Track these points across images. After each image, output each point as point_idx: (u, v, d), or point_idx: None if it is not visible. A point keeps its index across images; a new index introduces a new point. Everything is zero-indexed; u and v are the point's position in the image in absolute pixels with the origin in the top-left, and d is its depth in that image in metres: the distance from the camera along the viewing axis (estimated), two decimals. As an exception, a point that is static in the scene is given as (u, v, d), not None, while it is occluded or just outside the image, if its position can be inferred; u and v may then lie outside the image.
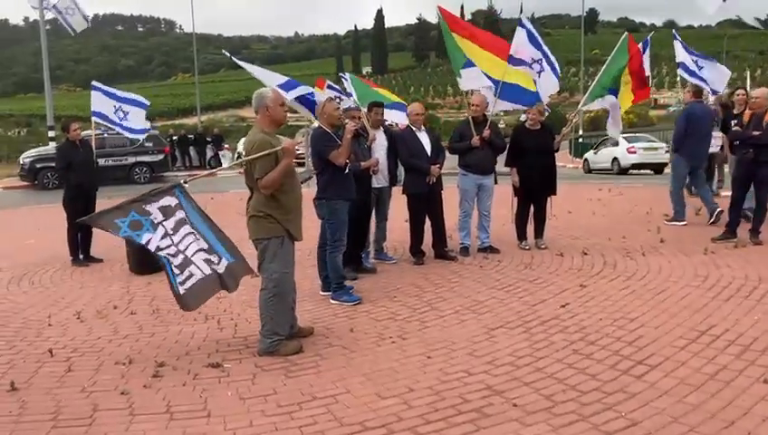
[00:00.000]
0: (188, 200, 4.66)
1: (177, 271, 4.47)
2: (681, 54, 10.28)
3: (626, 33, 8.47)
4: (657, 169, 21.15)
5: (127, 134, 10.38)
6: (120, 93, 9.93)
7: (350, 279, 6.21)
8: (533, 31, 7.92)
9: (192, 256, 4.57)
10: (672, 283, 5.90)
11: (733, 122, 8.60)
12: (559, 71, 8.30)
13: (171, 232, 4.50)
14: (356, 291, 5.91)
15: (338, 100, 8.21)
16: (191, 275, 4.54)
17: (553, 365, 4.11)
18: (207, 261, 4.64)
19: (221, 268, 4.68)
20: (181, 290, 4.49)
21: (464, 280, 6.38)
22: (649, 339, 4.47)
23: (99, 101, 9.48)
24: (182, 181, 4.73)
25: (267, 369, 4.23)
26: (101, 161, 18.47)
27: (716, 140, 10.34)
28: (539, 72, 7.79)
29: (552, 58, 7.98)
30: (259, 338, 4.55)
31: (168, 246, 4.48)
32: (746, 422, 3.22)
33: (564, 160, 26.84)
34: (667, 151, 20.34)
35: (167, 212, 4.52)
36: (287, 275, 4.56)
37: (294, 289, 4.77)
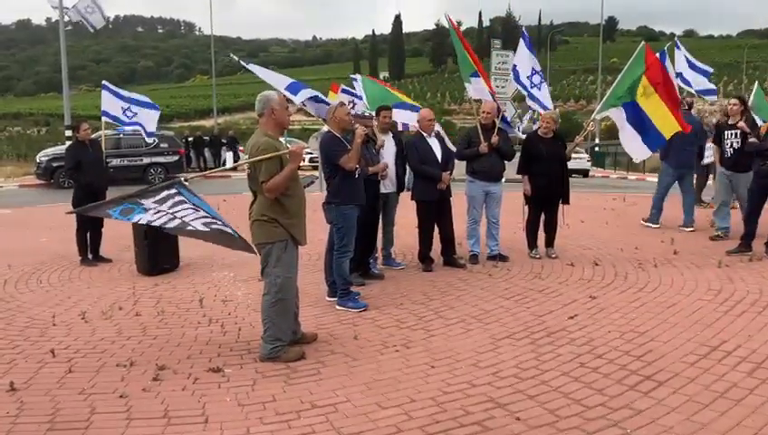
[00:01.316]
0: (190, 193, 4.57)
1: (165, 221, 4.33)
2: (680, 65, 11.10)
3: (643, 42, 8.32)
4: (584, 173, 27.04)
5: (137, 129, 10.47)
6: (128, 94, 9.99)
7: (356, 285, 6.16)
8: (529, 44, 8.56)
9: (190, 221, 4.39)
10: (684, 296, 5.79)
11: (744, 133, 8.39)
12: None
13: (167, 208, 4.37)
14: (362, 297, 5.85)
15: (352, 104, 8.22)
16: (185, 225, 4.39)
17: (559, 378, 4.02)
18: (206, 224, 4.44)
19: (221, 228, 4.50)
20: (171, 225, 4.36)
21: (472, 288, 6.30)
22: (658, 354, 4.37)
23: (108, 101, 9.58)
24: (182, 179, 4.70)
25: (268, 375, 4.18)
26: (117, 161, 18.68)
27: (709, 151, 10.55)
28: (540, 84, 8.15)
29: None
30: (261, 343, 4.50)
31: (160, 215, 4.33)
32: (756, 444, 3.13)
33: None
34: (588, 160, 27.64)
35: (162, 201, 4.41)
36: (290, 280, 4.49)
37: (298, 294, 4.72)
